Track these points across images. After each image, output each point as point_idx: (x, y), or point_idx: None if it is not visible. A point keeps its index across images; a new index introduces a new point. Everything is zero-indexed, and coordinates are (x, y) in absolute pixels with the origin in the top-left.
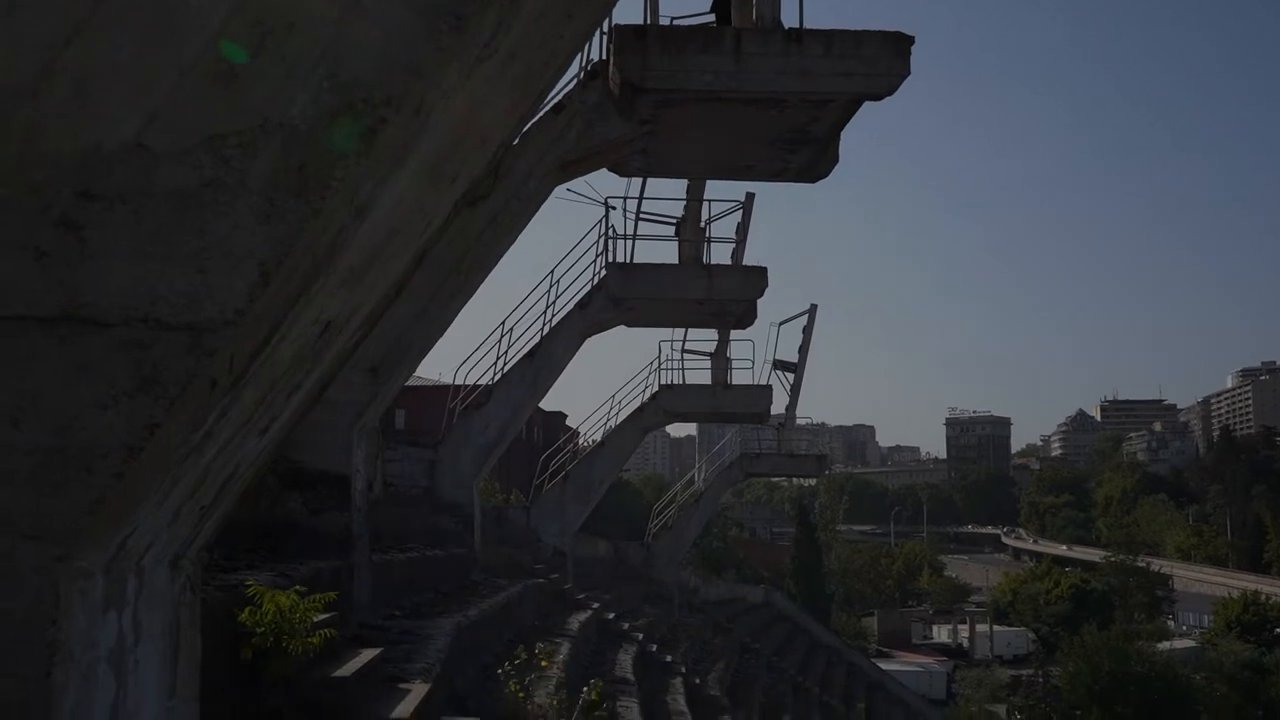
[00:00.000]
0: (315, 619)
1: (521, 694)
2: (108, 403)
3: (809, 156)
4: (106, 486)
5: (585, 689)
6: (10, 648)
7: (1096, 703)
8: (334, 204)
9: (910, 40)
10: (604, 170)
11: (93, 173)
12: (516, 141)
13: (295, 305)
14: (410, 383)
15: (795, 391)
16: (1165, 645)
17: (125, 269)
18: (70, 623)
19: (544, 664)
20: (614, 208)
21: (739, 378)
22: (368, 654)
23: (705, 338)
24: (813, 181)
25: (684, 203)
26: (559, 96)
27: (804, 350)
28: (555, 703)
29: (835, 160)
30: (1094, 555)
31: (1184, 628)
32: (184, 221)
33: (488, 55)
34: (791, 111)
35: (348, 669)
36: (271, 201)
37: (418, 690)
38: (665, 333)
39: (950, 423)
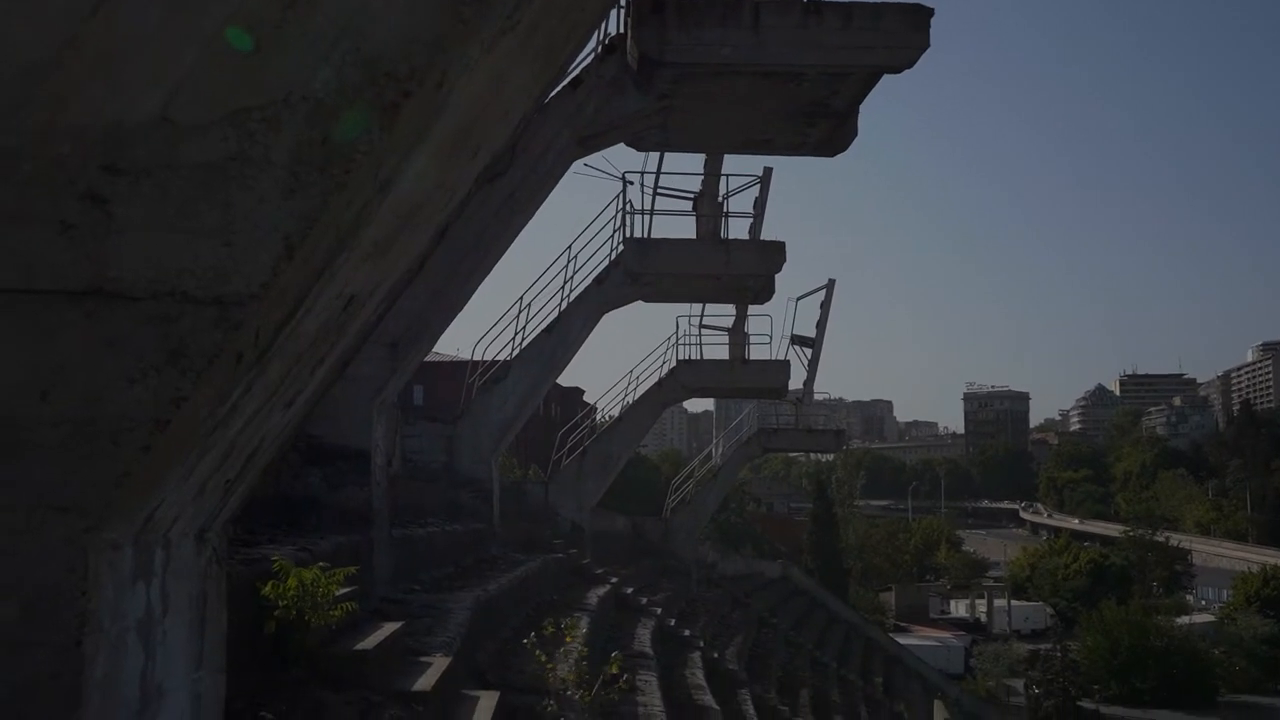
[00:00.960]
0: (337, 593)
1: (550, 665)
2: (135, 376)
3: (827, 130)
4: (134, 459)
5: (603, 662)
6: (41, 618)
7: (1115, 677)
8: (358, 178)
9: (930, 12)
10: (621, 145)
11: (117, 146)
12: (535, 116)
13: (319, 279)
14: (428, 359)
15: (813, 366)
16: (1184, 620)
17: (151, 243)
18: (99, 593)
19: (568, 638)
20: (631, 183)
21: (757, 353)
22: (389, 627)
23: (723, 313)
24: (831, 155)
25: (701, 177)
26: (576, 71)
27: (822, 325)
28: (575, 676)
29: (854, 133)
30: (1113, 530)
31: (1203, 602)
32: (209, 195)
33: (509, 28)
34: (810, 85)
35: (369, 642)
36: (296, 175)
37: (439, 663)
38: (683, 308)
39: (968, 397)
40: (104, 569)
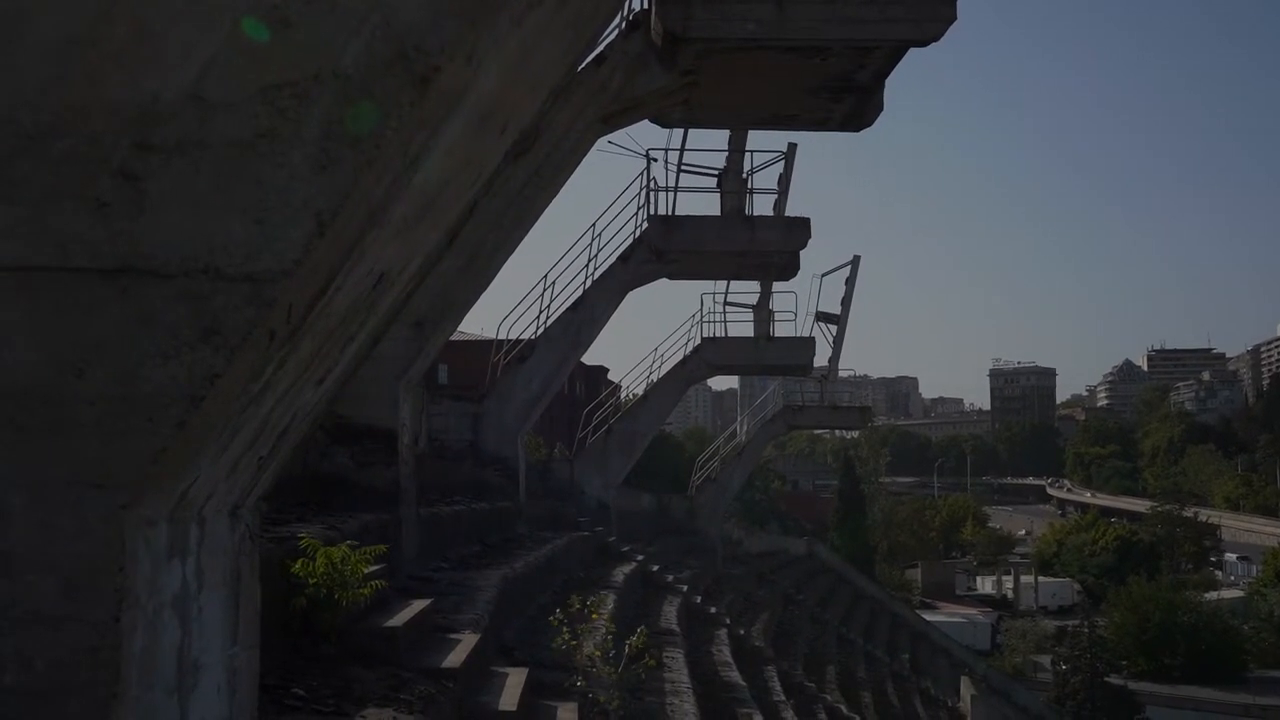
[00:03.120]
0: (366, 571)
1: (574, 642)
2: (170, 353)
3: (853, 105)
4: (169, 436)
5: (629, 638)
6: (80, 594)
7: (1143, 653)
8: (387, 153)
9: None
10: (645, 122)
11: (150, 124)
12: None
13: (350, 256)
14: (453, 338)
15: (838, 343)
16: (1213, 595)
17: (184, 220)
18: (136, 569)
19: (594, 615)
20: (655, 160)
21: (781, 330)
22: (418, 605)
23: (748, 290)
24: (857, 130)
25: (726, 154)
26: (601, 47)
27: (847, 302)
28: (600, 652)
29: (880, 108)
30: (1140, 506)
31: (1232, 578)
32: (241, 172)
33: (538, 1)
34: (835, 59)
35: (399, 619)
36: (326, 152)
37: (467, 640)
38: (708, 285)
39: (994, 374)
40: (140, 545)
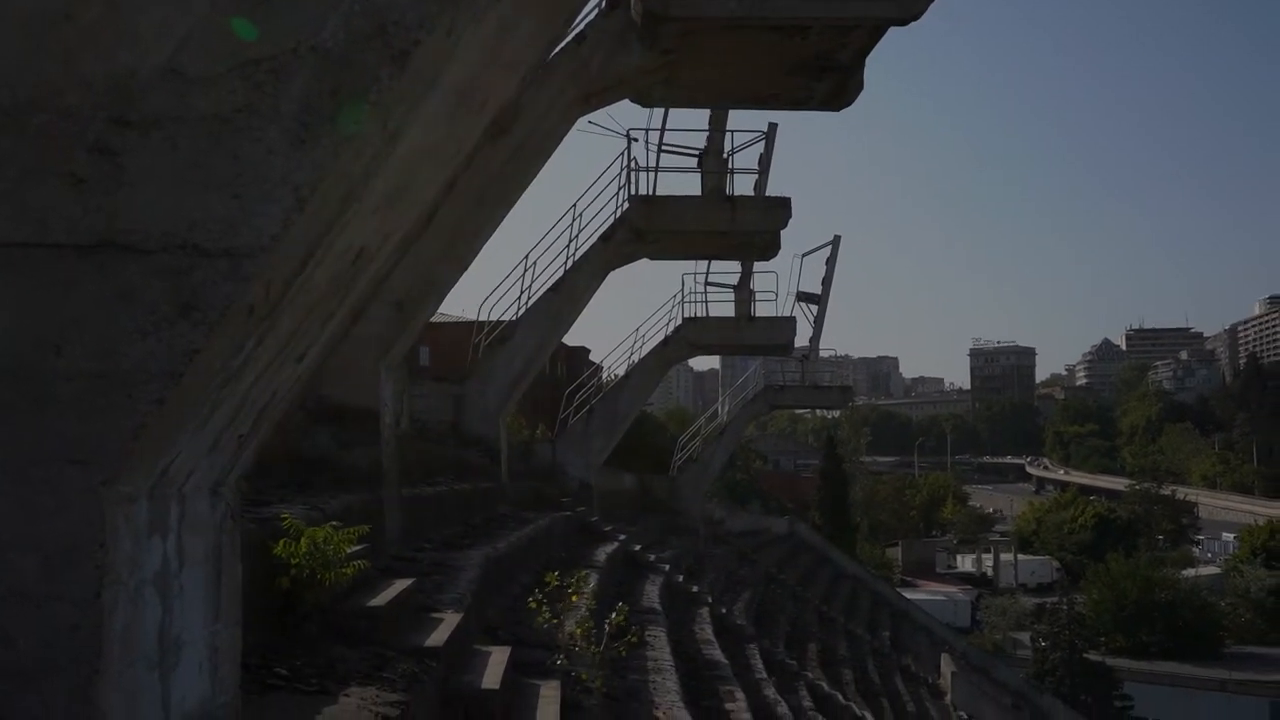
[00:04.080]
0: (348, 550)
1: (556, 621)
2: (148, 329)
3: (833, 84)
4: (148, 413)
5: (611, 615)
6: (61, 570)
7: (1121, 629)
8: (366, 129)
9: None
10: (626, 101)
11: (127, 99)
12: (538, 72)
13: (330, 231)
14: (434, 319)
15: (819, 323)
16: (1190, 572)
17: (162, 195)
18: (117, 546)
19: (574, 596)
20: (636, 139)
21: (762, 310)
22: (400, 584)
23: (729, 270)
24: (837, 110)
25: (706, 134)
26: (581, 26)
27: (827, 281)
28: (582, 630)
29: (860, 87)
30: (1119, 484)
31: (1209, 555)
32: (218, 147)
33: None
34: (815, 38)
35: (382, 599)
36: (305, 126)
37: (450, 619)
38: (689, 265)
39: (974, 353)
40: (121, 522)
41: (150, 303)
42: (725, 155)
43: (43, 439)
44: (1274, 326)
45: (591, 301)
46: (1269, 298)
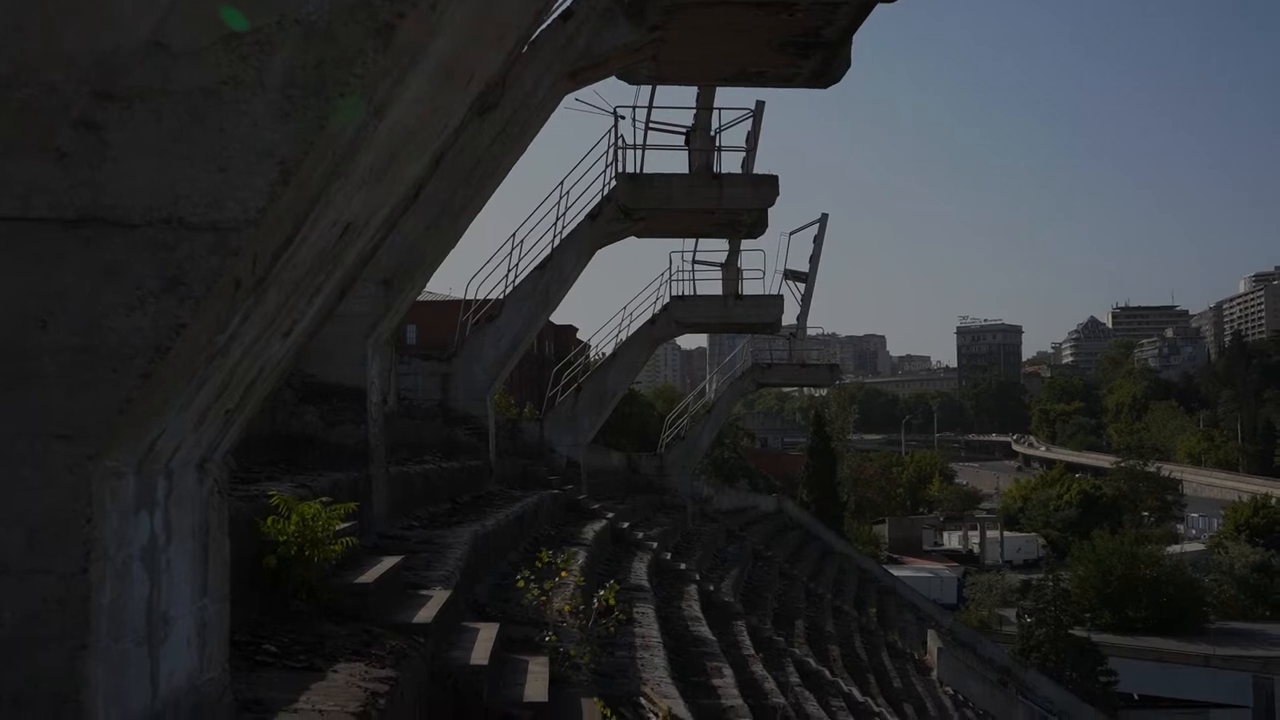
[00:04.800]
0: (336, 528)
1: (543, 597)
2: (134, 304)
3: (820, 61)
4: (134, 387)
5: (599, 592)
6: (47, 545)
7: (1106, 605)
8: (352, 102)
9: None
10: (613, 79)
11: (110, 72)
12: (525, 49)
13: (316, 205)
14: (421, 298)
15: (806, 301)
16: (1175, 549)
17: (147, 169)
18: (104, 521)
19: (562, 573)
20: (623, 117)
21: (750, 288)
22: (389, 562)
23: (716, 248)
24: (825, 87)
25: (694, 111)
26: (568, 2)
27: (815, 260)
28: (570, 608)
29: (847, 64)
30: (1104, 461)
31: (1193, 532)
32: (203, 121)
33: None
34: (802, 14)
35: (369, 576)
36: (290, 99)
37: (438, 597)
38: (676, 244)
39: (961, 331)
40: (107, 497)
41: (136, 277)
42: (713, 133)
43: (29, 413)
44: (1259, 304)
45: (579, 280)
46: (1254, 275)
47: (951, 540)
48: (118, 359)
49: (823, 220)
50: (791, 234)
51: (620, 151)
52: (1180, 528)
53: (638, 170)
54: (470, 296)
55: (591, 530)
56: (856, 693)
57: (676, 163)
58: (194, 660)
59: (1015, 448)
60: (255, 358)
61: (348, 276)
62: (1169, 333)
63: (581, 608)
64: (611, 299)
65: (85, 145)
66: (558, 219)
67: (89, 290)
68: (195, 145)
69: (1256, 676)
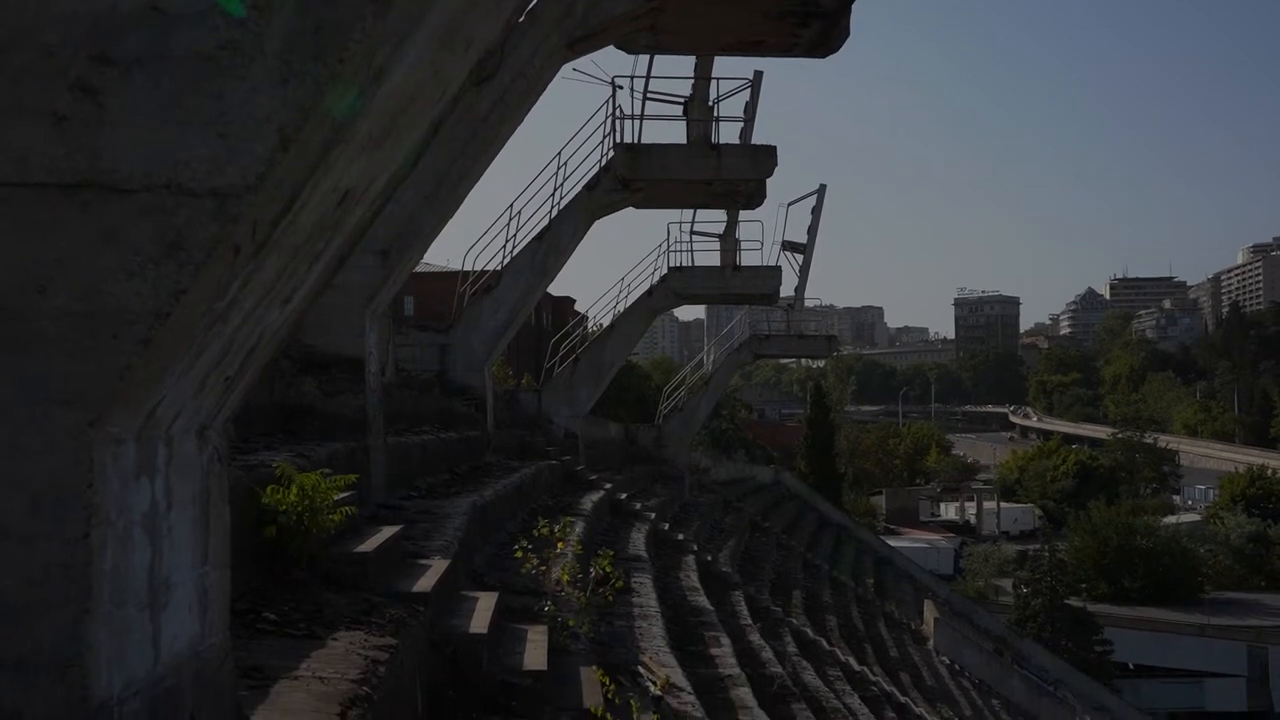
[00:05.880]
0: (336, 498)
1: (542, 567)
2: (134, 269)
3: (819, 30)
4: (134, 353)
5: (594, 562)
6: (49, 511)
7: (1103, 576)
8: (352, 67)
9: None
10: (611, 48)
11: (107, 36)
12: (522, 18)
13: (315, 171)
14: (419, 269)
15: (804, 272)
16: (1171, 519)
17: (145, 134)
18: (105, 487)
19: (559, 544)
20: (621, 87)
21: (748, 259)
22: (388, 531)
23: (714, 219)
24: (823, 56)
25: (692, 81)
26: None
27: (813, 231)
28: (569, 577)
29: (846, 34)
30: (1101, 432)
31: (1189, 502)
32: (201, 86)
33: None
34: None
35: (369, 545)
36: (289, 64)
37: (437, 566)
38: (674, 214)
39: (959, 302)
40: (109, 462)
41: (135, 243)
42: (711, 103)
43: (29, 379)
44: (1256, 275)
45: (577, 251)
46: (1252, 246)
47: (948, 511)
48: (118, 325)
49: (821, 191)
50: (790, 205)
51: (618, 122)
52: (1176, 499)
53: (636, 141)
54: (468, 267)
55: (589, 501)
56: (853, 662)
57: (675, 133)
58: (195, 626)
59: (1012, 419)
60: (255, 324)
61: (347, 244)
62: (1167, 304)
63: (580, 577)
64: (609, 270)
65: (83, 110)
66: (555, 190)
67: (88, 256)
68: (194, 111)
69: (1251, 646)
